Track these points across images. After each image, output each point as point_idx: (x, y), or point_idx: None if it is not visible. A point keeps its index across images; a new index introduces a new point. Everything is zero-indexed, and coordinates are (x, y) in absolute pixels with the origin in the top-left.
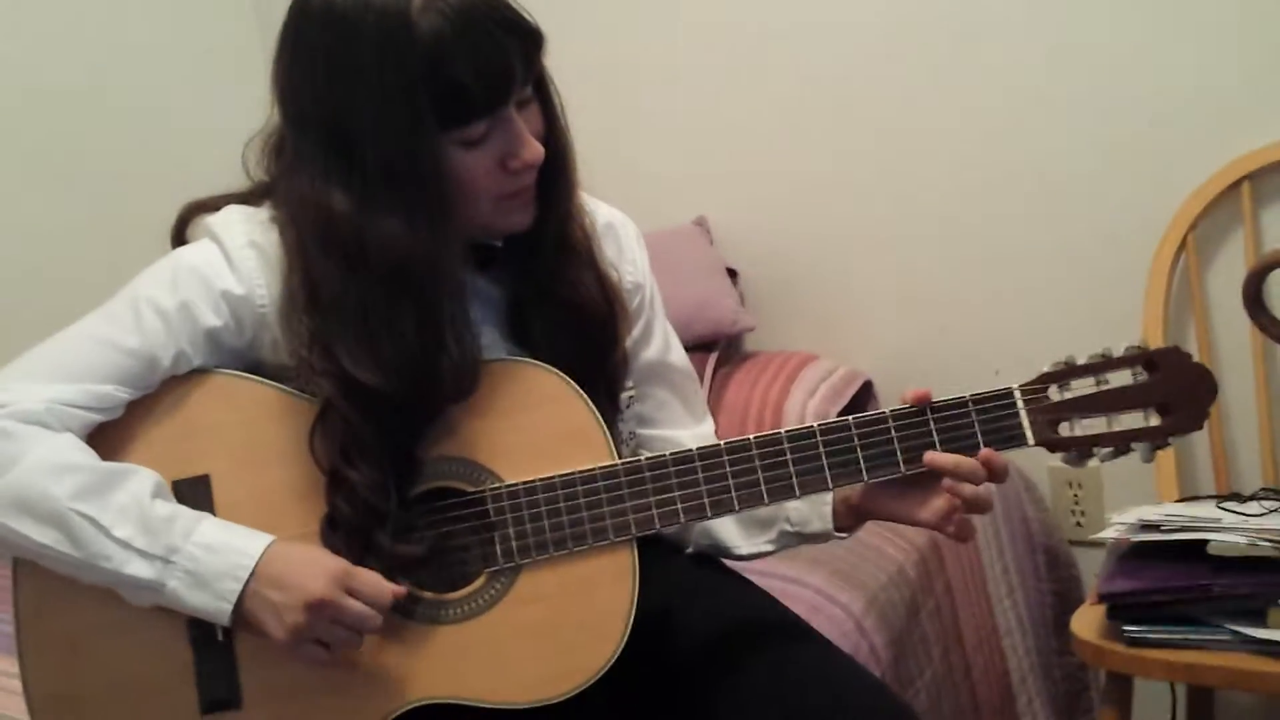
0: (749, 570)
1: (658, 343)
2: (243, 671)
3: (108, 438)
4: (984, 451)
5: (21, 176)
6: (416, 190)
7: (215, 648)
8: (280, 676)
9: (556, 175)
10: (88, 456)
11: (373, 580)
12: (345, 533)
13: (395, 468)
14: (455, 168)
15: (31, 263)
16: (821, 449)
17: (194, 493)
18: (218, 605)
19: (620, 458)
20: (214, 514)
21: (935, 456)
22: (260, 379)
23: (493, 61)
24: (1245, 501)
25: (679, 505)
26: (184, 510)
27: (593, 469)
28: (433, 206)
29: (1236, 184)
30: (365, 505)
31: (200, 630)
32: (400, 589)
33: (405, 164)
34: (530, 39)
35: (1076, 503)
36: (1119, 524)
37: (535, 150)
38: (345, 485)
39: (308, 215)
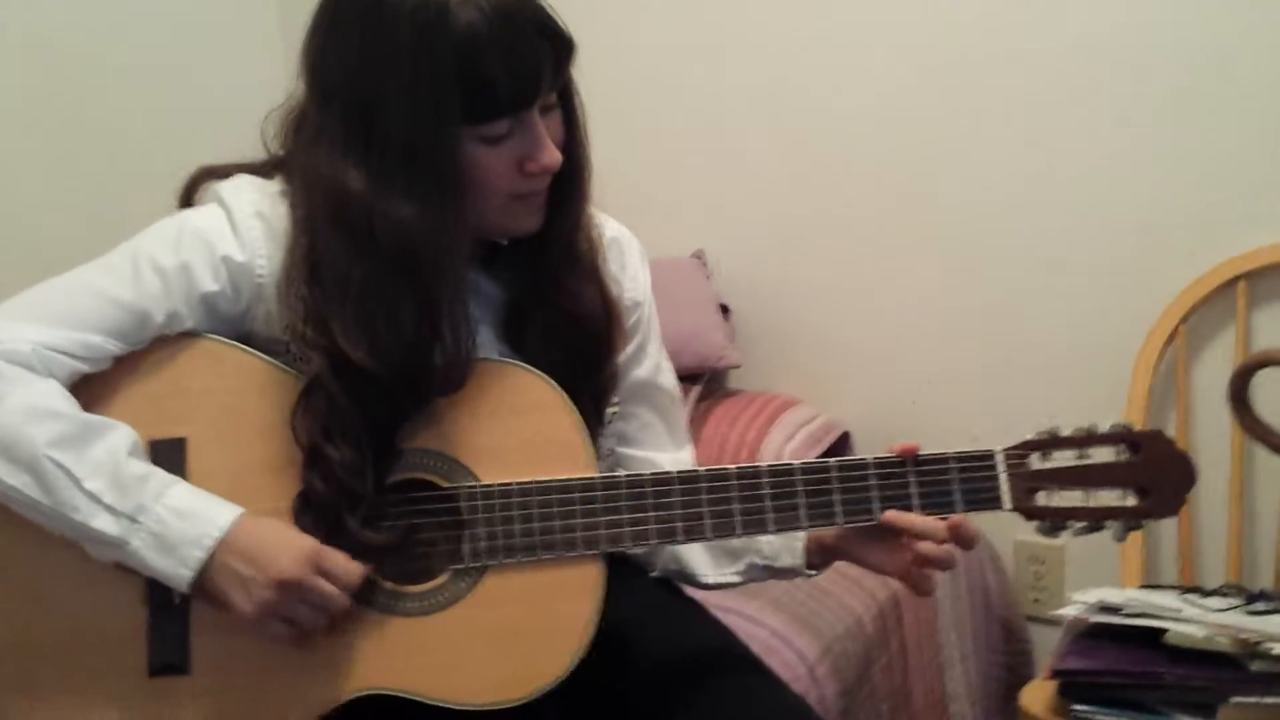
0: (709, 603)
1: (650, 363)
2: (195, 638)
3: (91, 389)
4: (955, 518)
5: (28, 134)
6: (432, 178)
7: (171, 611)
8: (232, 648)
9: (570, 185)
10: (70, 405)
11: (343, 561)
12: (317, 511)
13: (374, 452)
14: (473, 162)
15: (34, 221)
16: (801, 488)
17: (169, 454)
18: (178, 571)
19: (598, 473)
20: (186, 478)
21: (895, 516)
22: (249, 349)
23: (524, 62)
24: (1207, 595)
25: (652, 526)
26: (158, 471)
27: (570, 480)
28: (446, 197)
29: (1232, 281)
30: (340, 486)
31: (158, 592)
32: (368, 568)
33: (425, 151)
34: (563, 46)
35: (1038, 579)
36: (1080, 603)
37: (553, 156)
38: (323, 464)
39: (321, 190)
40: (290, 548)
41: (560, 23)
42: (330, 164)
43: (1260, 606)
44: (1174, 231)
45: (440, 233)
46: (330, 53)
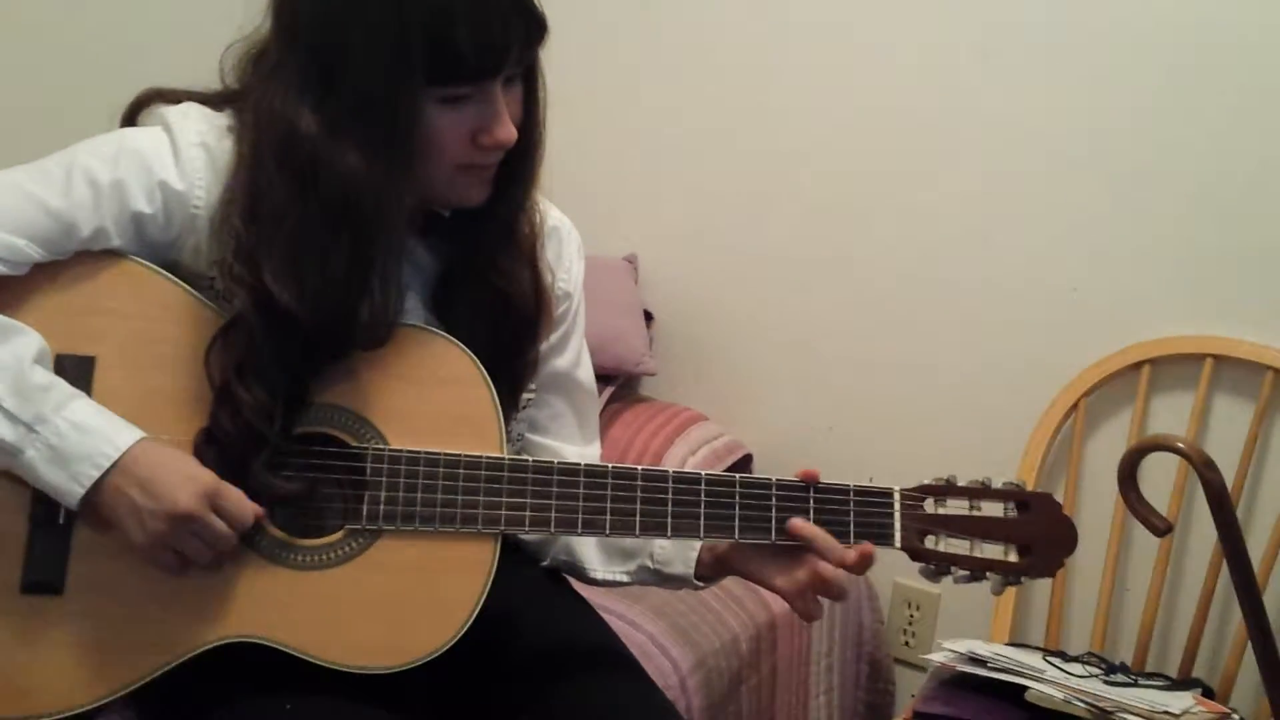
0: (592, 601)
1: (570, 355)
2: (74, 560)
3: (5, 294)
4: (865, 544)
5: None
6: (384, 133)
7: (53, 530)
8: (110, 575)
9: (520, 164)
10: None
11: (239, 499)
12: (220, 450)
13: (286, 398)
14: (428, 124)
15: None
16: (703, 497)
17: (76, 370)
18: (70, 487)
19: (507, 455)
20: (90, 397)
21: (802, 525)
22: (173, 278)
23: (493, 33)
24: (1070, 661)
25: (552, 514)
26: (61, 383)
27: (479, 456)
28: (396, 153)
29: (1138, 365)
30: (248, 427)
31: (42, 508)
32: (260, 509)
33: (381, 103)
34: (535, 24)
35: (911, 623)
36: (949, 650)
37: (509, 132)
38: (232, 402)
39: (273, 126)
40: (189, 480)
41: (536, 2)
42: (285, 102)
43: (1118, 678)
44: (1091, 307)
45: (384, 188)
46: None
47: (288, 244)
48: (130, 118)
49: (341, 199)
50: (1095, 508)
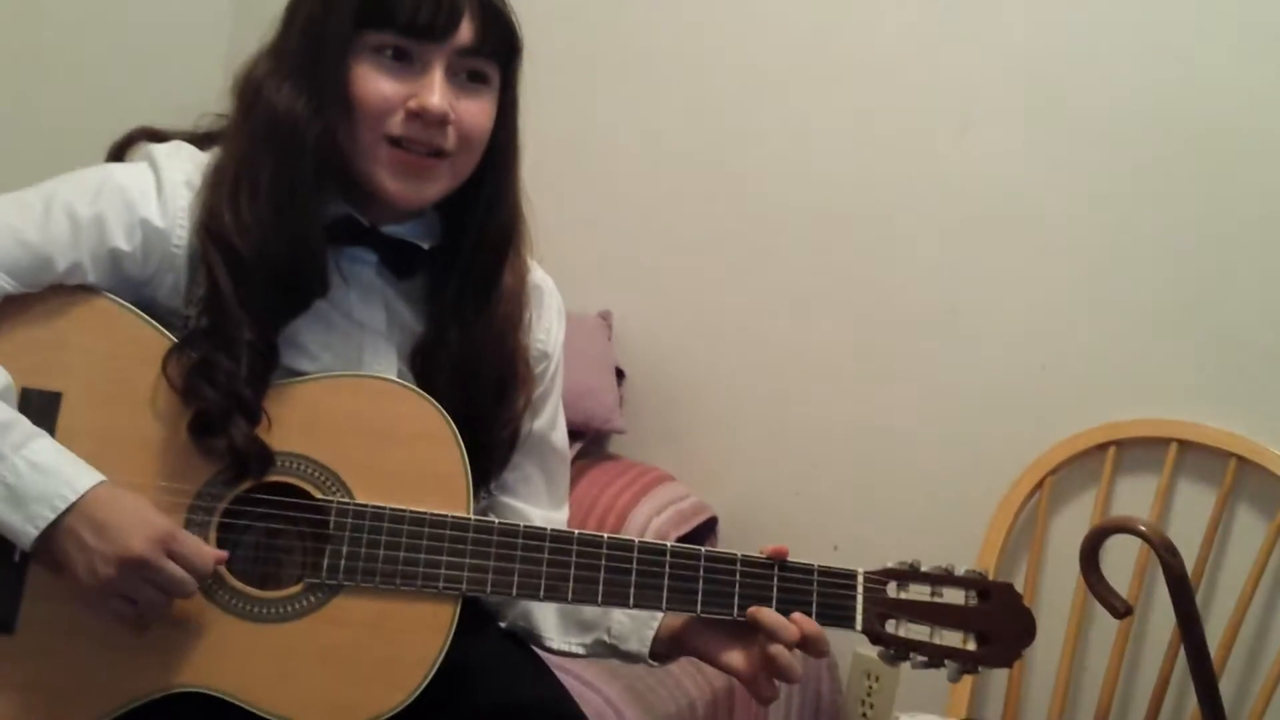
0: (549, 661)
1: (546, 418)
2: (27, 599)
3: None
4: (813, 628)
5: None
6: (317, 70)
7: (7, 568)
8: (63, 615)
9: (494, 171)
10: None
11: (195, 545)
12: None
13: (253, 359)
14: (362, 75)
15: None
16: (667, 569)
17: (41, 405)
18: (24, 528)
19: (472, 515)
20: (54, 435)
21: (761, 613)
22: (146, 318)
23: None
24: None
25: (515, 578)
26: (23, 421)
27: (444, 515)
28: (325, 91)
29: (1105, 445)
30: (227, 391)
31: None
32: (222, 554)
33: (317, 41)
34: (490, 14)
35: (869, 694)
36: None
37: (439, 104)
38: (211, 372)
39: (242, 77)
40: (143, 526)
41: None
42: (255, 60)
43: None
44: (1059, 386)
45: (309, 122)
46: None
47: (231, 176)
48: (118, 154)
49: (268, 124)
50: (1057, 585)
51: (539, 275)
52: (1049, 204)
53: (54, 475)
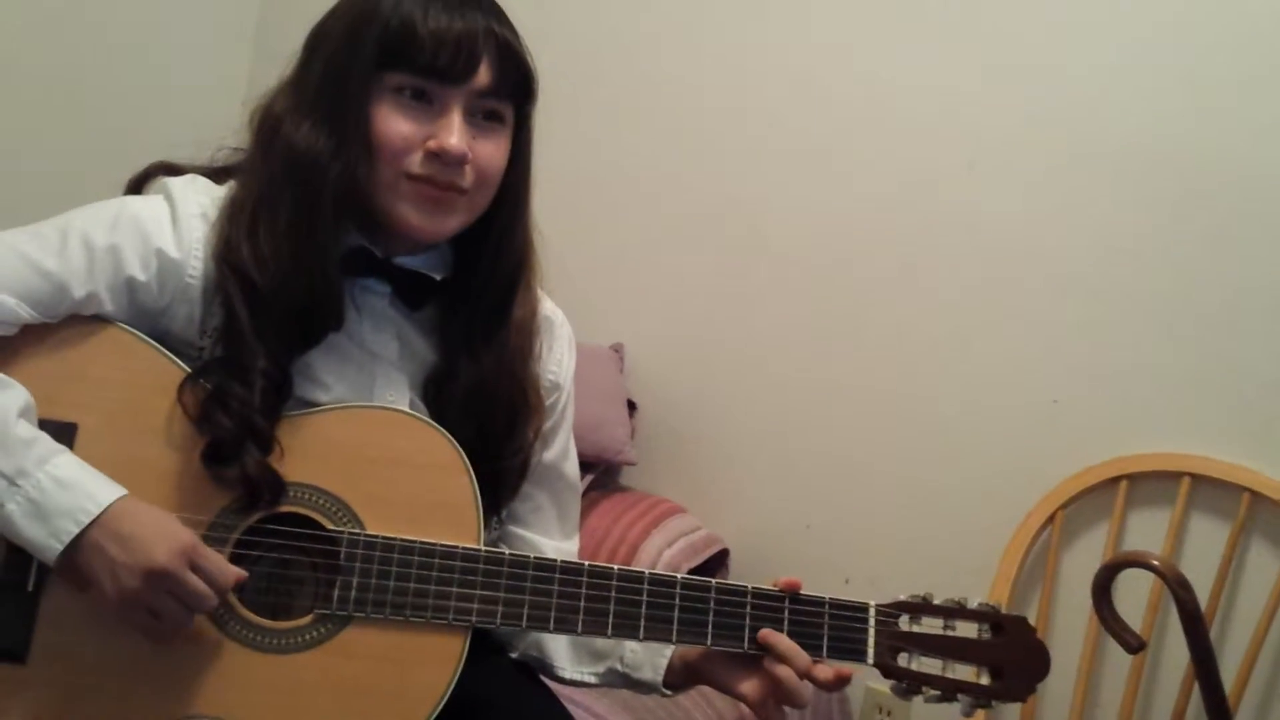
0: (560, 693)
1: (557, 449)
2: (40, 628)
3: None
4: (840, 670)
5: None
6: (338, 108)
7: (20, 595)
8: (75, 646)
9: (507, 206)
10: None
11: (217, 560)
12: (217, 456)
13: (266, 388)
14: (382, 116)
15: None
16: (678, 600)
17: (56, 437)
18: (49, 543)
19: (483, 546)
20: None
21: (772, 636)
22: (161, 349)
23: (453, 37)
24: None
25: (525, 610)
26: (45, 438)
27: (455, 547)
28: (345, 131)
29: (1116, 479)
30: (241, 420)
31: (11, 574)
32: (242, 572)
33: (337, 79)
34: (507, 56)
35: None
36: None
37: (458, 145)
38: (225, 400)
39: (259, 114)
40: (167, 538)
41: (516, 37)
42: (274, 95)
43: None
44: (1071, 419)
45: (330, 161)
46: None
47: (250, 211)
48: (136, 187)
49: (287, 161)
50: (1069, 620)
51: (550, 307)
52: (1059, 239)
53: (77, 489)
